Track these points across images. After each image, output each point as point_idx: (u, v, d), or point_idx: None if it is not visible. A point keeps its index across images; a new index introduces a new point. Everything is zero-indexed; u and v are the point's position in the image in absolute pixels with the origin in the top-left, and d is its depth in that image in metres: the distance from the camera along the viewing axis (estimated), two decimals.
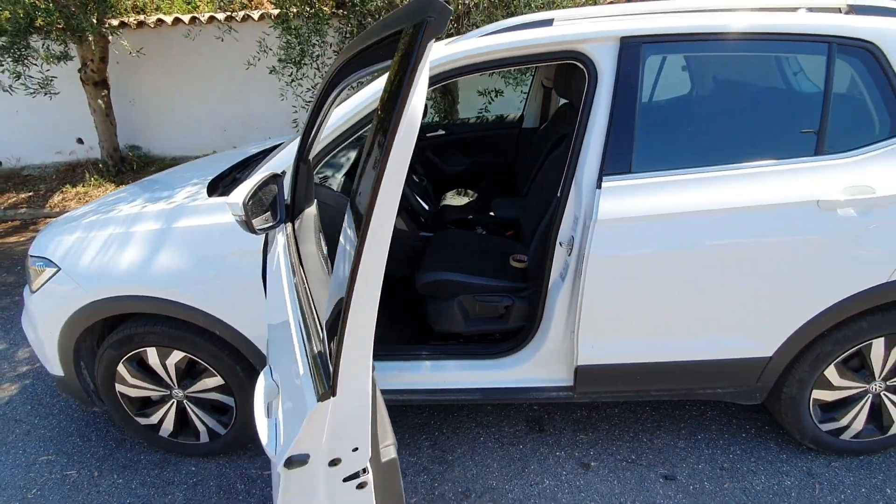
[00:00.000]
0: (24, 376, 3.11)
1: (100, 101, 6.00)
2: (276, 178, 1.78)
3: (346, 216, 1.37)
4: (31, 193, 6.26)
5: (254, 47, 5.13)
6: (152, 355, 2.21)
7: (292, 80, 5.02)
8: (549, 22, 2.09)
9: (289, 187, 1.86)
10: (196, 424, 2.36)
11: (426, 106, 3.94)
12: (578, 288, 1.91)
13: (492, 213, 3.23)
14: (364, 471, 1.13)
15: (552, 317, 2.04)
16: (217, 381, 2.24)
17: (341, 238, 1.35)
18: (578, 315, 1.94)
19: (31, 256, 2.26)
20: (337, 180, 2.65)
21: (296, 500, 1.17)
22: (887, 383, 2.10)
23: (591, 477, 2.24)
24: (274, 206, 1.73)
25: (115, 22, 5.82)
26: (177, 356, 2.20)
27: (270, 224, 1.72)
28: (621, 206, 1.83)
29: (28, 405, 2.87)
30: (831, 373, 2.07)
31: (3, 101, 6.06)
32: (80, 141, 6.75)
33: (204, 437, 2.38)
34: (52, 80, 5.51)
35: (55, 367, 2.28)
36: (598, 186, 1.85)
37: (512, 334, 2.27)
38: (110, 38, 5.76)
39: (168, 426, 2.37)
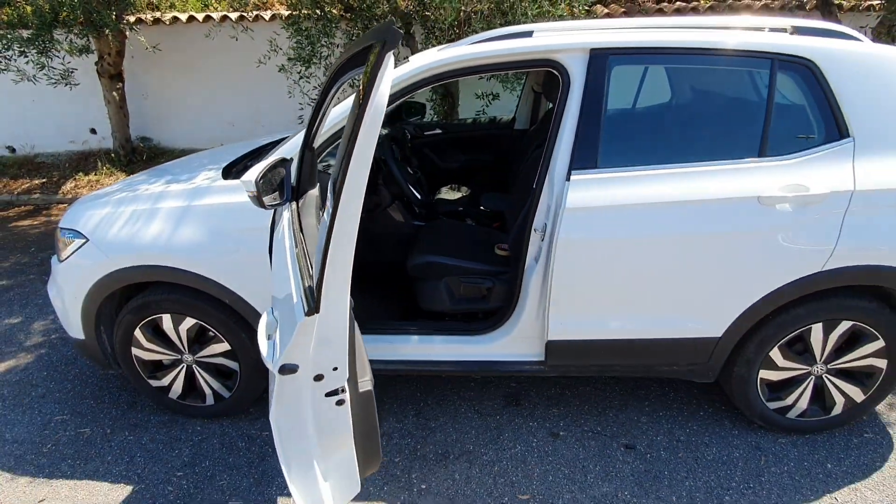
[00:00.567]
0: (39, 346, 3.32)
1: (114, 93, 6.25)
2: (284, 162, 2.01)
3: (329, 183, 1.62)
4: (44, 180, 6.50)
5: (263, 46, 5.39)
6: (167, 321, 2.44)
7: (300, 78, 5.28)
8: (529, 33, 2.34)
9: (295, 171, 2.09)
10: (203, 388, 2.59)
11: (426, 106, 4.21)
12: (549, 270, 2.14)
13: (482, 207, 3.47)
14: (342, 389, 1.39)
15: (527, 296, 2.27)
16: (224, 346, 2.47)
17: (326, 200, 1.59)
18: (549, 294, 2.17)
19: (62, 228, 2.49)
20: None
21: (288, 404, 1.43)
22: (828, 366, 2.33)
23: (559, 444, 2.47)
24: (282, 187, 1.95)
25: (132, 18, 6.09)
26: (189, 322, 2.43)
27: (278, 202, 1.94)
28: (587, 196, 2.07)
29: (44, 371, 3.07)
30: (776, 354, 2.29)
31: (19, 90, 6.29)
32: (93, 131, 7.00)
33: (210, 400, 2.61)
34: (72, 72, 5.77)
35: (77, 331, 2.51)
36: (568, 179, 2.09)
37: (493, 313, 2.50)
38: (128, 33, 6.02)
39: (177, 389, 2.60)
